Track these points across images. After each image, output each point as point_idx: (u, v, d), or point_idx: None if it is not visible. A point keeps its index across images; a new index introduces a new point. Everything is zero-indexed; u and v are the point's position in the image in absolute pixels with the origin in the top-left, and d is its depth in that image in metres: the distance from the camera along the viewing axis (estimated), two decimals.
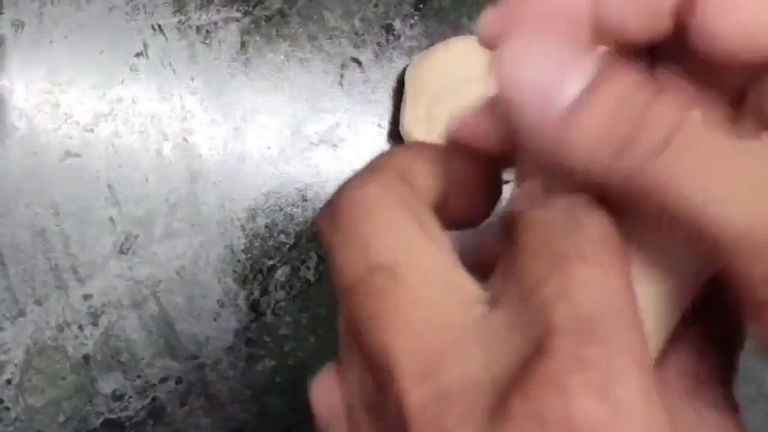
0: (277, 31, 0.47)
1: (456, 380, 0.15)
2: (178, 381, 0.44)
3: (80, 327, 0.43)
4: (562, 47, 0.16)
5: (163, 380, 0.43)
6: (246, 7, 0.46)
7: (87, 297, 0.43)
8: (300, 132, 0.46)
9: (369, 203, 0.18)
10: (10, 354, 0.42)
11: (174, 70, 0.45)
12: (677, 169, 0.14)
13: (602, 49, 0.16)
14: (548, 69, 0.15)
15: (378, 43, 0.47)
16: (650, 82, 0.15)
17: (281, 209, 0.45)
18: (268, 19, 0.47)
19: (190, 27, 0.46)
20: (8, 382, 0.42)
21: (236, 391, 0.44)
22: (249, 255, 0.45)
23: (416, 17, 0.48)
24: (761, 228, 0.14)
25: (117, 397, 0.43)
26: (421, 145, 0.20)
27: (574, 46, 0.16)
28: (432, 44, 0.47)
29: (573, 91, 0.15)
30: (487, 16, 0.17)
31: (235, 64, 0.46)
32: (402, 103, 0.45)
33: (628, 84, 0.15)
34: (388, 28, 0.48)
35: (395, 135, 0.46)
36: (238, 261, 0.45)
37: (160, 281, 0.44)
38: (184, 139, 0.45)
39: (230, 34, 0.46)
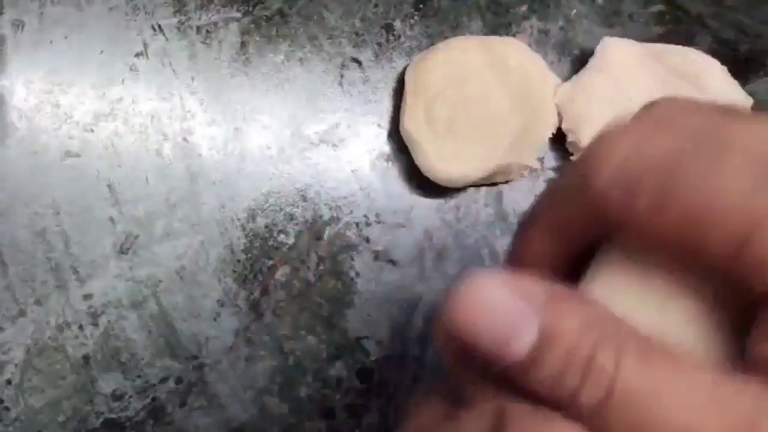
0: (277, 31, 0.47)
1: None
2: (178, 381, 0.44)
3: (80, 327, 0.43)
4: (508, 304, 0.18)
5: (163, 380, 0.43)
6: (246, 7, 0.46)
7: (87, 297, 0.43)
8: (300, 132, 0.46)
9: None
10: (10, 354, 0.42)
11: (174, 70, 0.45)
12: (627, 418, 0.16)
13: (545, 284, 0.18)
14: (502, 323, 0.17)
15: (378, 43, 0.47)
16: (593, 316, 0.18)
17: (281, 209, 0.45)
18: (268, 19, 0.47)
19: (190, 27, 0.46)
20: (8, 382, 0.42)
21: (236, 391, 0.44)
22: (249, 255, 0.45)
23: (416, 17, 0.48)
24: None
25: (117, 397, 0.43)
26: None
27: (516, 299, 0.18)
28: (432, 44, 0.47)
29: (525, 345, 0.17)
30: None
31: (235, 64, 0.46)
32: (402, 103, 0.45)
33: (571, 333, 0.17)
34: (388, 28, 0.48)
35: (395, 135, 0.46)
36: (238, 261, 0.45)
37: (160, 281, 0.44)
38: (184, 139, 0.45)
39: (230, 34, 0.46)
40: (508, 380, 0.18)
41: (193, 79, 0.45)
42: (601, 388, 0.17)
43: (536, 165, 0.46)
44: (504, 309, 0.17)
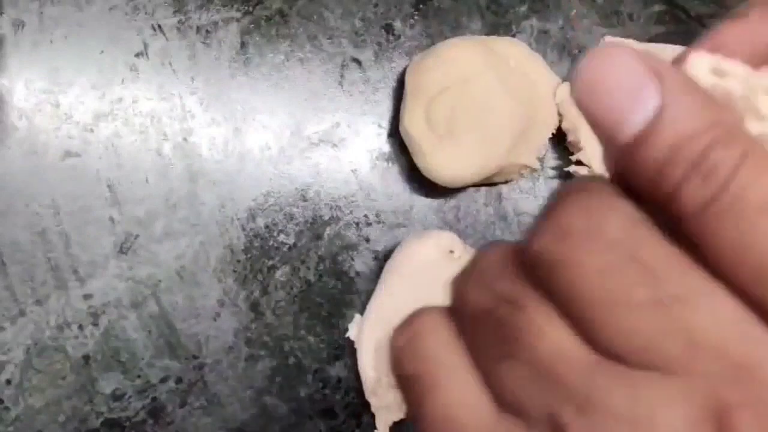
0: (277, 31, 0.47)
1: None
2: (178, 381, 0.44)
3: (80, 327, 0.43)
4: (635, 69, 0.16)
5: (163, 380, 0.43)
6: (246, 7, 0.46)
7: (87, 297, 0.43)
8: (300, 132, 0.46)
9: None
10: (10, 354, 0.42)
11: (174, 70, 0.45)
12: (728, 219, 0.15)
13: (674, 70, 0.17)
14: (621, 93, 0.16)
15: (378, 43, 0.47)
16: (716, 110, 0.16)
17: (281, 209, 0.45)
18: (268, 19, 0.47)
19: (190, 27, 0.46)
20: (8, 382, 0.42)
21: (236, 391, 0.44)
22: (249, 255, 0.45)
23: (416, 17, 0.48)
24: None
25: (117, 397, 0.43)
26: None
27: (646, 68, 0.16)
28: (432, 44, 0.47)
29: (641, 119, 0.16)
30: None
31: (235, 64, 0.46)
32: (402, 103, 0.45)
33: (693, 120, 0.16)
34: (388, 28, 0.48)
35: (395, 135, 0.46)
36: (238, 261, 0.45)
37: (160, 281, 0.44)
38: (184, 139, 0.45)
39: (230, 34, 0.46)
40: (619, 163, 0.16)
41: (193, 79, 0.45)
42: (710, 187, 0.15)
43: (536, 165, 0.46)
44: (630, 76, 0.16)
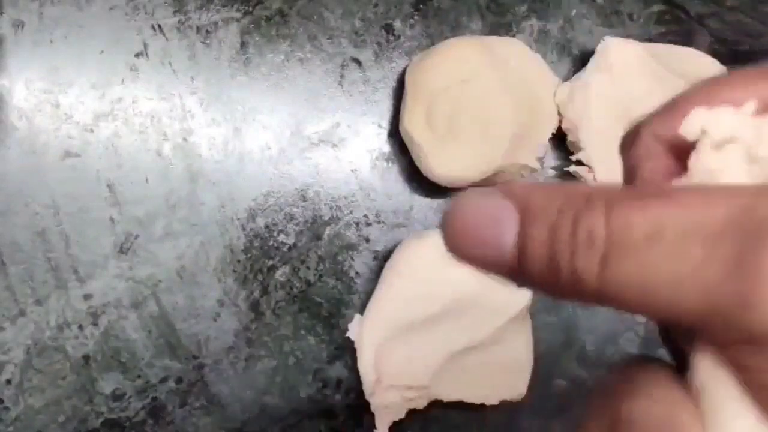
0: (277, 31, 0.47)
1: None
2: (178, 381, 0.44)
3: (80, 327, 0.43)
4: (486, 203, 0.17)
5: (163, 380, 0.43)
6: (246, 7, 0.46)
7: (87, 297, 0.43)
8: (300, 132, 0.46)
9: None
10: (10, 354, 0.42)
11: (174, 70, 0.45)
12: (622, 275, 0.15)
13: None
14: (485, 227, 0.17)
15: (378, 43, 0.47)
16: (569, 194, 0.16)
17: (281, 209, 0.45)
18: (268, 19, 0.47)
19: (190, 27, 0.46)
20: (8, 382, 0.42)
21: (236, 391, 0.44)
22: (249, 255, 0.45)
23: (416, 17, 0.48)
24: (719, 296, 0.14)
25: (117, 397, 0.43)
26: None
27: (494, 196, 0.17)
28: (432, 44, 0.47)
29: (511, 236, 0.16)
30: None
31: (235, 64, 0.46)
32: (402, 103, 0.45)
33: (550, 214, 0.16)
34: (388, 28, 0.48)
35: (395, 135, 0.46)
36: (238, 261, 0.45)
37: (160, 281, 0.44)
38: (184, 139, 0.45)
39: (230, 34, 0.46)
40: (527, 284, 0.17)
41: (193, 79, 0.45)
42: (598, 246, 0.15)
43: (536, 165, 0.46)
44: (485, 210, 0.17)
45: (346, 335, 0.44)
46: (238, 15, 0.46)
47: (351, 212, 0.46)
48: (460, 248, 0.17)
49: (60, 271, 0.43)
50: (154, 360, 0.43)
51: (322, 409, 0.45)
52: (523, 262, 0.16)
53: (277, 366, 0.44)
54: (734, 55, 0.50)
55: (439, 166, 0.44)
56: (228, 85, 0.46)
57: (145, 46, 0.45)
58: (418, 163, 0.44)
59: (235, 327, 0.44)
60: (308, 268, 0.45)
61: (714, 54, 0.47)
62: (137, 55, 0.45)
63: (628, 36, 0.47)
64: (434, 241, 0.43)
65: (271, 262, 0.45)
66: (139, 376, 0.43)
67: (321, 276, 0.45)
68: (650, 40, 0.49)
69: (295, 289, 0.45)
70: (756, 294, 0.14)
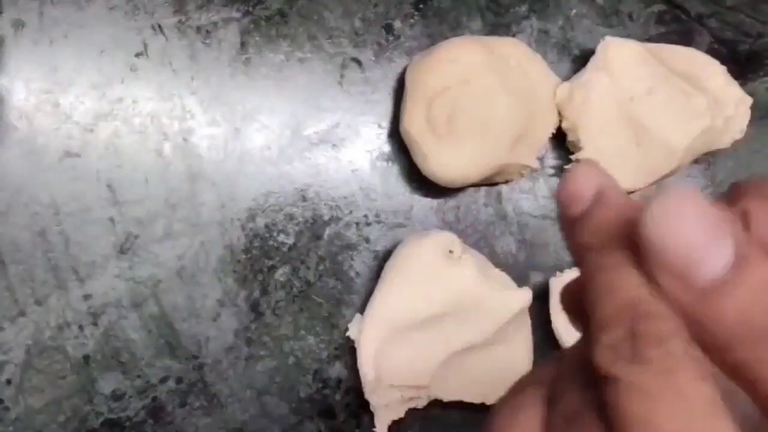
0: (277, 31, 0.47)
1: None
2: (178, 381, 0.44)
3: (80, 327, 0.43)
4: (709, 217, 0.16)
5: (163, 380, 0.43)
6: (246, 7, 0.46)
7: (87, 297, 0.43)
8: (300, 132, 0.46)
9: None
10: (10, 354, 0.42)
11: (174, 70, 0.45)
12: None
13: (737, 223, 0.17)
14: (696, 239, 0.16)
15: (378, 43, 0.47)
16: None
17: (281, 209, 0.45)
18: (268, 19, 0.47)
19: (190, 27, 0.46)
20: (8, 382, 0.42)
21: (236, 391, 0.44)
22: (249, 255, 0.45)
23: (416, 17, 0.48)
24: None
25: (117, 397, 0.43)
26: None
27: (719, 217, 0.16)
28: (432, 44, 0.47)
29: (716, 268, 0.16)
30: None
31: (235, 64, 0.46)
32: (402, 103, 0.45)
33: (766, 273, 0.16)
34: (388, 28, 0.48)
35: (395, 135, 0.46)
36: (238, 261, 0.45)
37: (160, 281, 0.44)
38: (184, 139, 0.45)
39: (230, 34, 0.46)
40: (685, 309, 0.16)
41: (193, 79, 0.45)
42: None
43: (536, 165, 0.46)
44: (702, 227, 0.16)
45: (346, 335, 0.44)
46: (238, 15, 0.46)
47: (351, 212, 0.46)
48: (654, 239, 0.16)
49: (60, 271, 0.43)
50: (154, 360, 0.43)
51: (322, 409, 0.45)
52: (721, 291, 0.16)
53: (277, 366, 0.44)
54: (734, 55, 0.50)
55: (439, 166, 0.44)
56: (228, 85, 0.46)
57: (145, 46, 0.45)
58: (418, 163, 0.44)
59: (235, 327, 0.44)
60: (308, 268, 0.45)
61: (714, 54, 0.47)
62: (137, 55, 0.45)
63: (628, 36, 0.47)
64: (434, 241, 0.43)
65: (271, 262, 0.45)
66: (139, 376, 0.43)
67: (321, 276, 0.45)
68: (650, 40, 0.49)
69: (295, 289, 0.45)
70: None
